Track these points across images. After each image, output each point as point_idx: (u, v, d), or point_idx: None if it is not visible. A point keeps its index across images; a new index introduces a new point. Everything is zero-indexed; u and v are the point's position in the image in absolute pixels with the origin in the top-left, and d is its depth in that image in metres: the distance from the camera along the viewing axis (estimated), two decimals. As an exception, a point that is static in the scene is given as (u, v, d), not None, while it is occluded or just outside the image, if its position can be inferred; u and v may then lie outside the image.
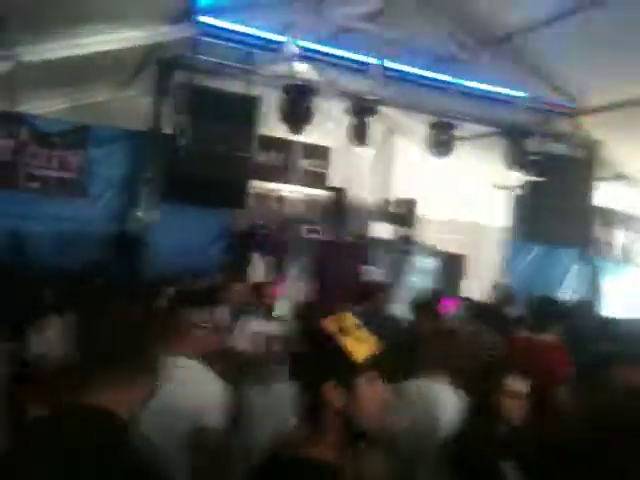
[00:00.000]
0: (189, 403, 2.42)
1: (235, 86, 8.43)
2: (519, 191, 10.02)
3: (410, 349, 3.31)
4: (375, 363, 1.74)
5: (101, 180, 8.27)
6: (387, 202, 10.85)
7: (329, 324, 1.78)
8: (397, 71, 9.00)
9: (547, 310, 5.03)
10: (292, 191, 11.37)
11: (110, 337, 1.71)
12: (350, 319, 1.81)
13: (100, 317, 1.81)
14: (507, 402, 2.75)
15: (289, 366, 1.94)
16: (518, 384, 2.80)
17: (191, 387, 2.48)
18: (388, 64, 8.91)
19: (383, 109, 10.53)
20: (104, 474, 1.43)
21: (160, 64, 8.27)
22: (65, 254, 7.35)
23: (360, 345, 1.74)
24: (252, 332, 4.73)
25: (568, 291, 10.30)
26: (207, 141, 7.81)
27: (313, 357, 1.72)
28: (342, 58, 8.92)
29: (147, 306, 3.12)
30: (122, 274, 5.92)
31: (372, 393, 1.71)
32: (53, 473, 1.45)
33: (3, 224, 7.23)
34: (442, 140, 9.44)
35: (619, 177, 10.55)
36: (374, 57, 8.85)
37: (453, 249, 10.45)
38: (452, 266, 9.95)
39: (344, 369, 1.69)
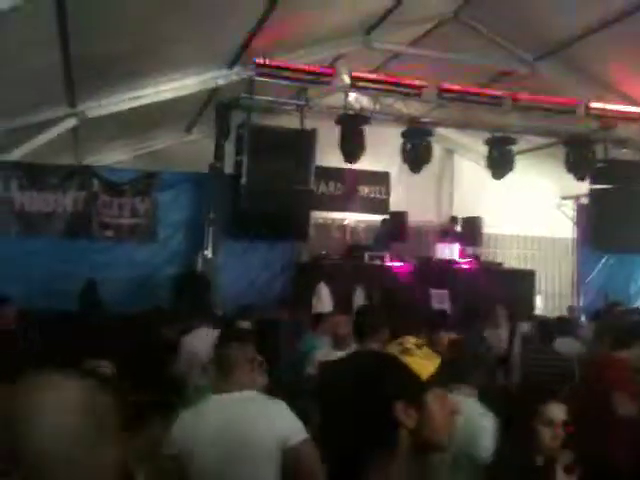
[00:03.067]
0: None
1: (292, 121, 8.63)
2: (586, 200, 9.75)
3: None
4: (440, 379, 1.76)
5: (169, 223, 8.58)
6: (452, 222, 10.74)
7: (391, 347, 1.83)
8: (452, 91, 8.95)
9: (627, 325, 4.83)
10: (355, 219, 11.46)
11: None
12: (412, 340, 1.84)
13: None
14: (543, 430, 2.48)
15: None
16: (556, 410, 2.55)
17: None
18: (442, 85, 8.89)
19: (440, 130, 10.54)
20: None
21: (218, 107, 8.55)
22: (138, 298, 7.60)
23: (424, 363, 1.77)
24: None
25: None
26: (267, 177, 7.99)
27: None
28: (394, 84, 8.95)
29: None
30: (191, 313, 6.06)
31: (441, 409, 1.72)
32: None
33: (80, 272, 7.57)
34: (501, 155, 9.30)
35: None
36: (426, 80, 8.85)
37: (522, 264, 10.23)
38: (522, 282, 9.71)
39: (412, 387, 1.72)
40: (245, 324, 4.80)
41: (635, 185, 9.21)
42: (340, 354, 4.62)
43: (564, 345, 5.37)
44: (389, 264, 9.44)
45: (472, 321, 7.10)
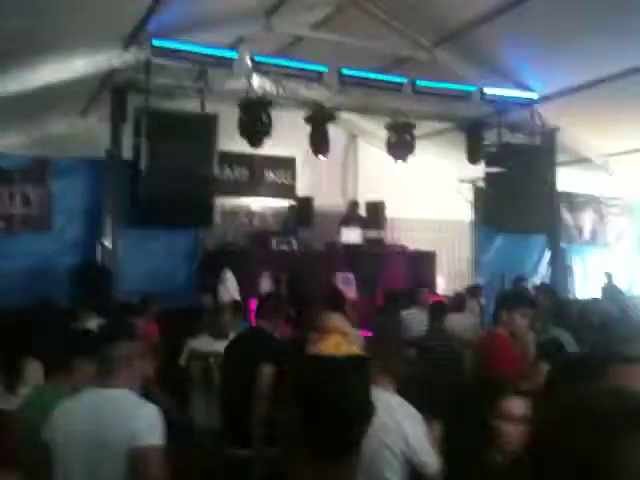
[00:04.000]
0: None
1: (191, 105, 8.43)
2: (482, 183, 10.14)
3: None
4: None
5: (65, 212, 8.21)
6: (355, 206, 10.88)
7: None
8: (353, 76, 9.04)
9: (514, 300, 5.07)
10: (262, 205, 11.40)
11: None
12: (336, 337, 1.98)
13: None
14: (505, 427, 2.18)
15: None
16: (517, 405, 2.24)
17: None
18: (343, 70, 8.96)
19: (344, 115, 10.63)
20: None
21: (114, 89, 8.23)
22: (34, 289, 7.26)
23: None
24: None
25: (539, 277, 10.42)
26: (167, 163, 7.78)
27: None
28: (297, 68, 8.92)
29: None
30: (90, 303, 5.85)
31: None
32: None
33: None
34: (402, 140, 9.51)
35: (581, 161, 10.74)
36: (328, 64, 8.88)
37: (424, 247, 10.51)
38: (424, 264, 10.00)
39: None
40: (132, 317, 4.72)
41: (526, 168, 9.65)
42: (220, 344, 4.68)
43: (456, 321, 5.62)
44: (296, 249, 9.47)
45: (391, 305, 7.29)
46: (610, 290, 8.56)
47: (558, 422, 0.99)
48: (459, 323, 6.06)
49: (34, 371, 3.46)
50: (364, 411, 1.51)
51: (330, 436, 1.45)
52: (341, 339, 2.67)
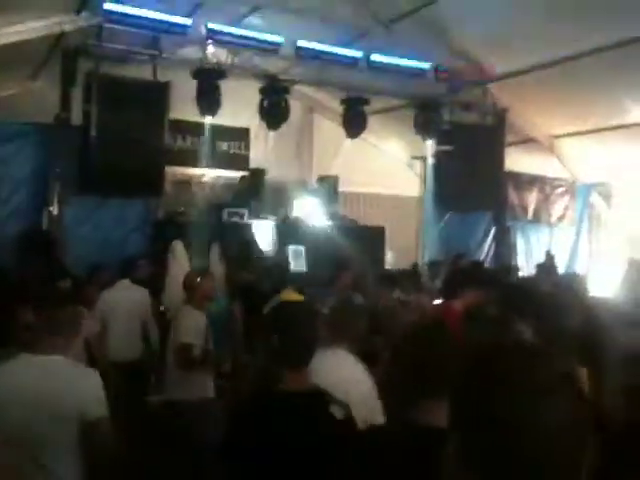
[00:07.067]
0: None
1: (144, 72, 8.32)
2: (433, 161, 10.31)
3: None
4: None
5: (11, 179, 8.05)
6: (309, 180, 10.96)
7: None
8: (309, 49, 9.04)
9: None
10: (214, 175, 11.33)
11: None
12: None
13: None
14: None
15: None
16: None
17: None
18: (300, 42, 8.94)
19: (300, 88, 10.61)
20: None
21: (65, 54, 8.04)
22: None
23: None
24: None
25: (484, 255, 10.74)
26: (118, 130, 7.67)
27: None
28: (252, 39, 8.87)
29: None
30: (36, 273, 5.81)
31: None
32: None
33: None
34: (356, 115, 9.58)
35: (528, 141, 11.01)
36: (285, 36, 8.85)
37: (375, 222, 10.68)
38: (374, 239, 10.16)
39: None
40: (67, 283, 4.71)
41: (476, 147, 9.85)
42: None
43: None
44: (247, 221, 9.50)
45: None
46: (546, 267, 8.87)
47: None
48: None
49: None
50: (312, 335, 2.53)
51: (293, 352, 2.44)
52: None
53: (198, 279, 5.39)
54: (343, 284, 6.22)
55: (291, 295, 3.29)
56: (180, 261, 7.91)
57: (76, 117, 8.05)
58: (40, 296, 3.23)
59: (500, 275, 7.82)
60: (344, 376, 3.11)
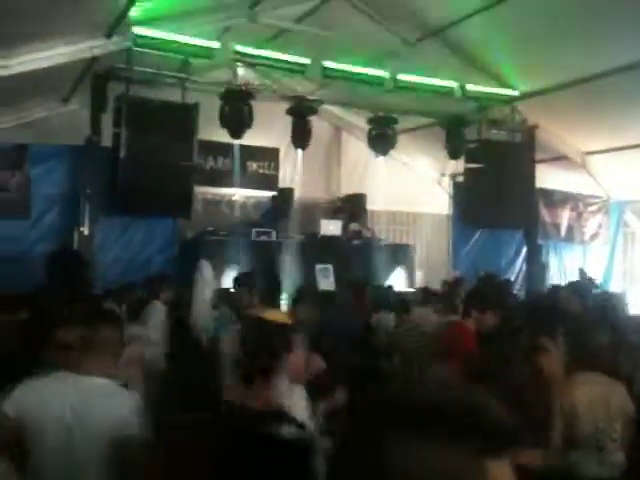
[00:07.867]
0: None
1: (174, 95, 8.45)
2: (461, 179, 10.22)
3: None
4: None
5: (43, 198, 8.21)
6: (337, 199, 10.96)
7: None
8: (335, 70, 9.07)
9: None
10: (244, 195, 11.40)
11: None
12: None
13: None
14: None
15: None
16: None
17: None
18: (326, 63, 8.99)
19: (328, 108, 10.66)
20: None
21: (95, 77, 8.22)
22: (12, 277, 7.25)
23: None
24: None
25: (515, 273, 10.55)
26: (147, 151, 7.80)
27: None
28: (280, 60, 8.95)
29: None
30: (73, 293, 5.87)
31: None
32: None
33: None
34: (383, 134, 9.57)
35: (560, 158, 10.84)
36: (311, 57, 8.91)
37: (404, 240, 10.61)
38: (403, 257, 10.08)
39: None
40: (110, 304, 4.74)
41: (506, 164, 9.74)
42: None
43: (420, 315, 5.71)
44: (275, 240, 9.52)
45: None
46: (577, 285, 8.62)
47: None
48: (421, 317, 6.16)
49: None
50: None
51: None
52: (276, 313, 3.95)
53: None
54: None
55: (275, 315, 3.30)
56: (206, 279, 7.92)
57: (106, 138, 8.22)
58: (81, 316, 3.21)
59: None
60: None
